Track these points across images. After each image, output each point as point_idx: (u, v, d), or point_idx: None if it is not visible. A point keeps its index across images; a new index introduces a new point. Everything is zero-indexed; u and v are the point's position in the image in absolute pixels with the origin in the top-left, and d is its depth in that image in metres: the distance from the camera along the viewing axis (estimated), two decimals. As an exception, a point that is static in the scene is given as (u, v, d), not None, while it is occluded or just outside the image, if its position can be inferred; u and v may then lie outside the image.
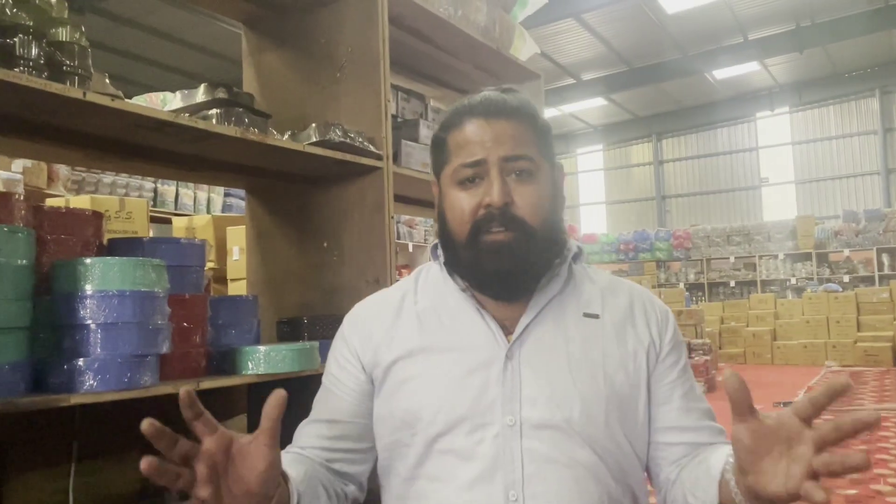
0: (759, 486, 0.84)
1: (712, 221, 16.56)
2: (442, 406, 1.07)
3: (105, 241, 1.62)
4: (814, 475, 0.79)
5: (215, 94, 1.88)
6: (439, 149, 1.16)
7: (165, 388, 1.48)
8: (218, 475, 0.85)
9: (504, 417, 1.05)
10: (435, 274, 1.21)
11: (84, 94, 1.35)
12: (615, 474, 1.08)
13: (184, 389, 0.82)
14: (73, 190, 5.82)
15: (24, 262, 1.35)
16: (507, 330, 1.11)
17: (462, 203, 1.09)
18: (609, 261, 15.48)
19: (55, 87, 1.30)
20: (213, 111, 1.76)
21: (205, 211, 6.78)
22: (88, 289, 1.38)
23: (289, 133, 1.98)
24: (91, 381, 1.36)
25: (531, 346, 1.10)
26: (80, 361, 1.36)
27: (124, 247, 1.60)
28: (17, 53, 1.35)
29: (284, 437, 0.96)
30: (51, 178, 5.62)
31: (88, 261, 1.39)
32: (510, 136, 1.09)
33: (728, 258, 14.31)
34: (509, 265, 1.07)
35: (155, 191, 6.76)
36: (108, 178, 6.40)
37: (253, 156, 1.94)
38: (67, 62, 1.45)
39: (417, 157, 2.28)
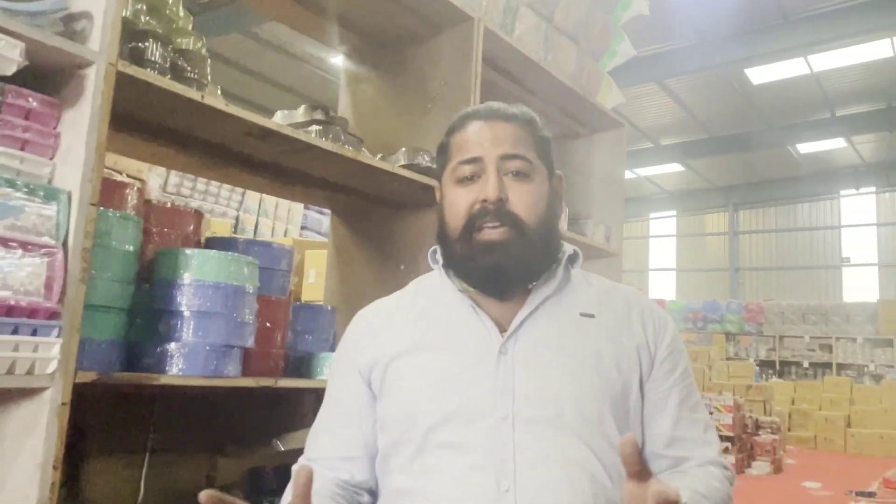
0: None
1: (787, 298, 15.98)
2: (435, 399, 1.08)
3: (202, 240, 1.72)
4: None
5: (314, 115, 1.98)
6: (443, 152, 1.20)
7: (247, 382, 1.54)
8: None
9: (496, 410, 1.05)
10: (433, 278, 1.23)
11: (202, 96, 1.46)
12: (612, 476, 1.05)
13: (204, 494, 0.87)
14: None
15: (131, 248, 1.44)
16: (503, 328, 1.12)
17: (459, 199, 1.12)
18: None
19: (178, 88, 1.41)
20: (313, 127, 1.85)
21: (281, 241, 6.98)
22: (186, 278, 1.46)
23: (379, 156, 2.06)
24: (180, 365, 1.42)
25: (525, 343, 1.10)
26: (172, 345, 1.43)
27: (220, 245, 1.68)
28: (147, 56, 1.47)
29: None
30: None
31: (189, 251, 1.48)
32: (508, 136, 1.13)
33: (802, 337, 13.74)
34: (503, 261, 1.09)
35: (237, 219, 7.03)
36: (195, 201, 6.70)
37: (344, 174, 2.03)
38: (189, 68, 1.57)
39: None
